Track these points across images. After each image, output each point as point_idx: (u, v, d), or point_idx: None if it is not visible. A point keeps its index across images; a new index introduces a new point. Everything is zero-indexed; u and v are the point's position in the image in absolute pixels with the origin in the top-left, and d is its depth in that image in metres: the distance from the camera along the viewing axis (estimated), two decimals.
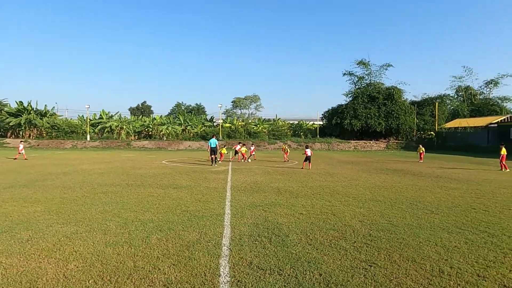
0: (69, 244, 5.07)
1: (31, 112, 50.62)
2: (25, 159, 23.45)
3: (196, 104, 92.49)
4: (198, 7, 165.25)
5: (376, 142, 48.80)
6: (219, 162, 21.07)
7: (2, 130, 49.91)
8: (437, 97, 54.84)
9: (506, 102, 55.75)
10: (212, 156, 19.70)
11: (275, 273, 4.07)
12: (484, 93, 60.54)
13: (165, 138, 50.66)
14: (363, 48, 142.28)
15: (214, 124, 59.43)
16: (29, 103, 51.56)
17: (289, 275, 4.01)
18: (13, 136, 49.26)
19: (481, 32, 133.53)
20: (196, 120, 59.78)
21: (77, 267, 4.20)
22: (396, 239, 5.44)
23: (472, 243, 5.24)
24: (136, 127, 53.64)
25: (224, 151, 23.08)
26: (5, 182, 11.66)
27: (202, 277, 3.94)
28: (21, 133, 49.31)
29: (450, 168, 18.67)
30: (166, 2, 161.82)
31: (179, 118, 59.16)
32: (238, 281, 3.85)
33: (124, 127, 52.05)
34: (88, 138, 47.46)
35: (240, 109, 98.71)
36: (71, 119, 58.77)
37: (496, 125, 41.44)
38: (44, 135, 48.79)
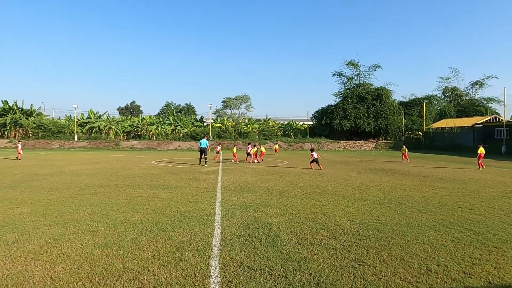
0: (56, 246, 4.99)
1: (17, 111, 49.64)
2: (19, 159, 23.21)
3: (186, 104, 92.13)
4: (187, 6, 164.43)
5: (365, 142, 49.34)
6: (235, 162, 21.36)
7: None
8: (425, 98, 55.79)
9: (491, 103, 56.99)
10: (202, 156, 19.73)
11: (265, 273, 4.08)
12: (470, 94, 61.80)
13: (154, 138, 50.26)
14: (352, 49, 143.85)
15: (204, 124, 59.22)
16: (15, 102, 50.60)
17: (279, 275, 4.03)
18: None
19: (467, 33, 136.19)
20: (186, 120, 59.51)
21: (65, 270, 4.13)
22: (385, 238, 5.52)
23: (458, 241, 5.34)
24: (125, 127, 53.10)
25: (234, 150, 23.13)
26: None
27: (192, 278, 3.92)
28: (6, 133, 48.28)
29: (437, 168, 19.00)
30: (155, 0, 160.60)
31: (168, 118, 58.82)
32: (229, 281, 3.84)
33: (113, 127, 51.45)
34: (76, 138, 46.74)
35: (230, 109, 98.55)
36: (58, 118, 57.89)
37: (481, 125, 42.37)
38: (30, 135, 47.89)
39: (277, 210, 7.61)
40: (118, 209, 7.52)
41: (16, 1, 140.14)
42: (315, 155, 18.24)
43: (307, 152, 37.90)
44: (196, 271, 4.12)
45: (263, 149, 24.06)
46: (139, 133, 53.00)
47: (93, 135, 49.76)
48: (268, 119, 63.27)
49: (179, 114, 69.31)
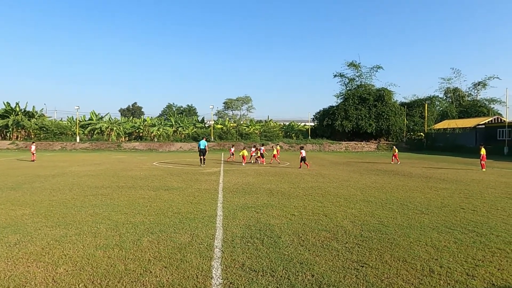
0: (58, 247, 4.99)
1: (19, 113, 49.79)
2: (33, 160, 23.69)
3: (188, 105, 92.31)
4: (189, 8, 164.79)
5: (367, 143, 49.26)
6: (243, 164, 21.45)
7: None
8: (426, 99, 55.71)
9: (493, 104, 56.91)
10: (201, 157, 20.21)
11: (267, 274, 4.07)
12: (472, 95, 61.76)
13: (156, 140, 50.31)
14: (354, 50, 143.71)
15: (206, 125, 59.25)
16: (17, 104, 50.76)
17: (281, 276, 4.02)
18: (0, 137, 48.31)
19: (469, 34, 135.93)
20: (188, 121, 59.58)
21: (67, 271, 4.13)
22: (387, 239, 5.50)
23: (461, 243, 5.31)
24: (126, 129, 53.16)
25: (245, 153, 22.85)
26: None
27: (194, 280, 3.91)
28: (8, 134, 48.41)
29: (439, 169, 18.94)
30: (155, 1, 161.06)
31: (170, 119, 58.90)
32: (231, 283, 3.83)
33: (115, 128, 51.54)
34: (78, 140, 46.85)
35: (231, 110, 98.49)
36: (60, 120, 58.05)
37: (483, 126, 42.22)
38: (32, 136, 47.96)
39: (278, 211, 7.59)
40: (120, 211, 7.52)
41: (17, 1, 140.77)
42: (303, 153, 19.00)
43: (308, 154, 37.83)
44: (198, 272, 4.12)
45: (275, 151, 23.83)
46: (141, 134, 53.08)
47: (95, 136, 49.83)
48: (270, 120, 63.27)
49: (181, 115, 69.38)
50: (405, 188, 11.26)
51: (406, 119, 50.77)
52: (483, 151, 18.69)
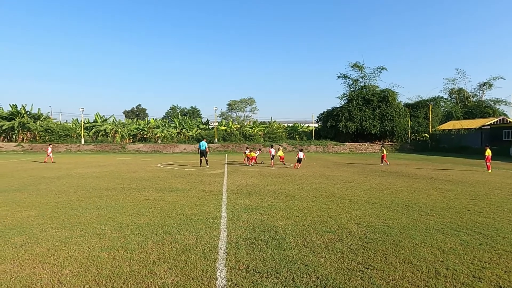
0: (63, 249, 5.02)
1: (25, 115, 50.22)
2: (52, 161, 24.21)
3: (192, 107, 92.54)
4: (192, 10, 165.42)
5: (371, 144, 49.06)
6: (251, 164, 21.65)
7: None
8: (431, 100, 55.41)
9: (499, 105, 56.50)
10: (202, 158, 20.68)
11: (272, 276, 4.06)
12: (477, 96, 61.36)
13: (160, 141, 50.48)
14: (357, 51, 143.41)
15: (210, 127, 59.35)
16: (23, 106, 51.18)
17: (286, 278, 4.01)
18: (6, 139, 48.72)
19: (474, 35, 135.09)
20: (191, 123, 59.71)
21: (72, 272, 4.15)
22: (392, 241, 5.46)
23: (467, 245, 5.27)
24: (131, 130, 53.42)
25: (253, 154, 22.79)
26: None
27: (199, 281, 3.91)
28: (14, 136, 48.84)
29: (444, 170, 18.81)
30: (159, 2, 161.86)
31: (174, 121, 59.04)
32: (235, 284, 3.83)
33: (119, 130, 51.81)
34: (83, 142, 47.14)
35: (235, 112, 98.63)
36: (65, 122, 58.48)
37: (489, 127, 41.91)
38: (37, 138, 48.34)
39: (283, 213, 7.58)
40: (125, 212, 7.55)
41: (23, 2, 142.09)
42: (300, 154, 20.28)
43: (312, 155, 37.84)
44: (202, 274, 4.12)
45: (281, 153, 23.59)
46: (145, 136, 53.30)
47: (99, 138, 50.13)
48: (273, 122, 63.25)
49: (185, 117, 69.57)
50: (410, 190, 11.20)
51: (411, 120, 50.52)
52: (488, 152, 18.58)
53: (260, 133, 53.35)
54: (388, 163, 23.56)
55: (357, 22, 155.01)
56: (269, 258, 4.67)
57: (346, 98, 53.26)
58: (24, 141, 48.09)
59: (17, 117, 49.30)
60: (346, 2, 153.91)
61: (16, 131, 48.36)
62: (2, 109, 52.18)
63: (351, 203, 8.75)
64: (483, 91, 60.46)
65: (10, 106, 50.59)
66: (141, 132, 54.01)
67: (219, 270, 4.23)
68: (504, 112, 52.47)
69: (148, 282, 3.87)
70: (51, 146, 26.86)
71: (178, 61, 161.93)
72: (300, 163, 20.20)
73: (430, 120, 49.70)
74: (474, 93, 61.71)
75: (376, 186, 12.17)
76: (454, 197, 9.73)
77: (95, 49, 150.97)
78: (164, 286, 3.79)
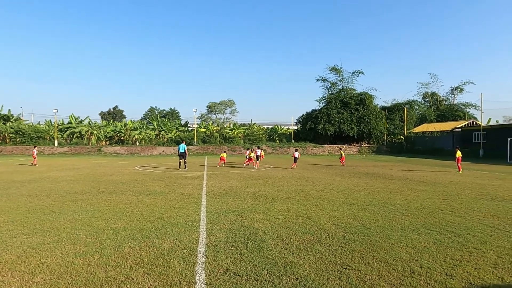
0: (35, 255, 4.82)
1: None
2: (35, 164, 23.76)
3: (170, 108, 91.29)
4: (170, 10, 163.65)
5: (349, 146, 49.96)
6: (255, 167, 21.85)
7: None
8: (406, 103, 57.12)
9: (469, 108, 58.86)
10: (181, 160, 20.70)
11: (251, 278, 4.06)
12: (449, 99, 63.74)
13: (138, 144, 49.47)
14: (336, 54, 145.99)
15: (189, 129, 58.76)
16: None
17: (265, 280, 4.01)
18: None
19: (446, 39, 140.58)
20: (170, 125, 58.91)
21: (44, 280, 4.00)
22: (369, 241, 5.58)
23: (440, 243, 5.45)
24: (107, 132, 52.09)
25: (252, 155, 23.07)
26: None
27: (177, 286, 3.86)
28: None
29: (418, 171, 19.42)
30: (136, 1, 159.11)
31: (152, 123, 58.11)
32: None
33: (95, 132, 50.41)
34: (56, 144, 45.51)
35: (215, 113, 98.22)
36: (38, 123, 56.29)
37: (460, 129, 43.64)
38: (7, 141, 46.29)
39: (262, 215, 7.59)
40: (100, 216, 7.35)
41: None
42: (296, 154, 22.41)
43: (292, 157, 38.14)
44: (181, 278, 4.06)
45: (252, 154, 23.92)
46: (122, 138, 52.08)
47: (74, 140, 48.49)
48: (253, 124, 63.37)
49: (163, 119, 68.46)
50: (386, 190, 11.49)
51: (387, 123, 51.87)
52: (458, 154, 19.57)
53: (240, 135, 53.30)
54: (344, 165, 24.19)
55: (338, 25, 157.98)
56: (248, 260, 4.66)
57: (324, 101, 54.07)
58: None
59: None
60: (326, 5, 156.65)
61: None
62: None
63: (329, 205, 8.88)
64: (455, 95, 62.97)
65: None
66: (118, 134, 52.75)
67: (198, 274, 4.18)
68: (474, 116, 54.69)
69: None
70: (36, 148, 26.31)
71: (157, 62, 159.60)
72: (296, 162, 22.02)
73: (405, 123, 51.26)
74: (446, 97, 64.16)
75: (353, 187, 12.41)
76: (427, 197, 10.06)
77: (69, 48, 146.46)
78: None
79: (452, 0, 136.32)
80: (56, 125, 49.78)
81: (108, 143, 50.77)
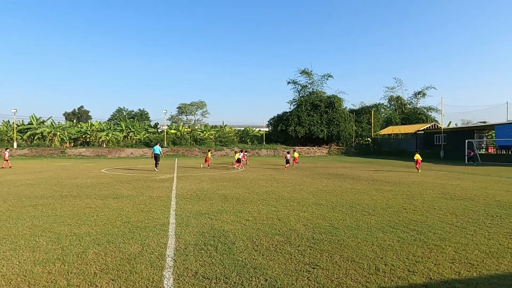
0: None
1: None
2: (10, 167, 22.98)
3: (140, 109, 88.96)
4: (138, 9, 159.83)
5: (319, 148, 51.05)
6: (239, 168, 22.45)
7: None
8: (373, 106, 59.30)
9: (431, 112, 62.02)
10: (156, 162, 21.37)
11: (221, 281, 4.03)
12: (413, 103, 66.79)
13: (104, 145, 47.78)
14: (306, 57, 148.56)
15: (159, 130, 57.56)
16: None
17: (235, 282, 4.00)
18: None
19: (410, 44, 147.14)
20: (139, 126, 57.42)
21: None
22: (337, 240, 5.72)
23: (403, 241, 5.69)
24: (71, 134, 49.91)
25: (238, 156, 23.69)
26: None
27: None
28: None
29: (384, 172, 20.16)
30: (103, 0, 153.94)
31: (120, 124, 56.33)
32: None
33: (58, 133, 48.10)
34: (15, 146, 43.00)
35: (186, 115, 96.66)
36: None
37: (423, 132, 45.83)
38: None
39: (233, 217, 7.57)
40: (63, 222, 7.01)
41: None
42: (288, 156, 23.76)
43: (263, 159, 38.39)
44: (148, 283, 3.96)
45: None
46: (88, 139, 50.07)
47: (35, 142, 46.03)
48: (225, 126, 63.13)
49: (132, 120, 66.59)
50: (353, 191, 11.82)
51: (355, 125, 53.53)
52: (417, 156, 20.96)
53: (212, 137, 52.93)
54: (294, 165, 25.23)
55: (310, 27, 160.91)
56: (218, 263, 4.63)
57: (295, 103, 54.94)
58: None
59: None
60: (295, 8, 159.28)
61: None
62: None
63: (299, 205, 9.01)
64: (418, 99, 66.12)
65: None
66: (83, 136, 50.67)
67: (166, 279, 4.09)
68: (435, 119, 57.67)
69: None
70: (8, 150, 25.20)
71: (125, 61, 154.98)
72: (289, 163, 23.60)
73: (372, 125, 53.16)
74: (410, 100, 67.22)
75: (323, 188, 12.67)
76: (392, 197, 10.46)
77: (29, 46, 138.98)
78: None
79: (412, 5, 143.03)
80: (15, 125, 47.04)
81: (72, 145, 48.64)
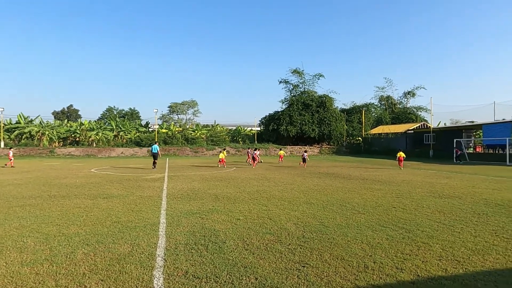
0: None
1: None
2: (12, 166, 22.92)
3: (130, 108, 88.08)
4: (129, 8, 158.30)
5: (310, 147, 51.26)
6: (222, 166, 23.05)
7: None
8: (364, 106, 59.81)
9: (421, 111, 62.81)
10: (155, 161, 22.10)
11: (211, 280, 4.03)
12: (403, 103, 67.53)
13: (94, 145, 47.26)
14: (298, 57, 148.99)
15: (150, 129, 57.16)
16: None
17: (225, 281, 4.01)
18: None
19: (400, 46, 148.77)
20: (130, 125, 56.97)
21: None
22: (327, 239, 5.76)
23: (392, 239, 5.76)
24: (60, 133, 49.25)
25: (224, 155, 24.53)
26: None
27: None
28: None
29: (375, 171, 20.37)
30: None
31: (110, 123, 55.79)
32: None
33: (47, 132, 47.39)
34: (2, 145, 42.23)
35: (177, 114, 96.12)
36: None
37: (412, 131, 46.43)
38: None
39: (224, 216, 7.57)
40: (51, 222, 6.93)
41: None
42: (305, 155, 25.23)
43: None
44: (138, 283, 3.94)
45: (222, 155, 24.56)
46: (77, 139, 49.43)
47: (23, 141, 45.25)
48: (216, 125, 62.99)
49: (123, 119, 65.94)
50: (344, 190, 11.92)
51: (346, 125, 53.92)
52: (400, 154, 22.12)
53: (203, 136, 52.78)
54: (279, 163, 26.82)
55: (298, 28, 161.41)
56: (208, 262, 4.63)
57: (287, 102, 55.09)
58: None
59: None
60: (289, 8, 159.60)
61: None
62: None
63: (290, 204, 9.05)
64: (408, 99, 66.86)
65: None
66: (73, 135, 50.02)
67: (156, 278, 4.08)
68: (425, 118, 58.39)
69: None
70: (12, 149, 25.37)
71: (116, 60, 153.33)
72: (305, 162, 24.65)
73: (363, 124, 53.63)
74: (400, 100, 67.94)
75: (313, 187, 12.74)
76: (382, 196, 10.58)
77: (17, 43, 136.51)
78: None
79: (403, 7, 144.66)
80: (2, 124, 46.19)
81: (61, 144, 48.00)
